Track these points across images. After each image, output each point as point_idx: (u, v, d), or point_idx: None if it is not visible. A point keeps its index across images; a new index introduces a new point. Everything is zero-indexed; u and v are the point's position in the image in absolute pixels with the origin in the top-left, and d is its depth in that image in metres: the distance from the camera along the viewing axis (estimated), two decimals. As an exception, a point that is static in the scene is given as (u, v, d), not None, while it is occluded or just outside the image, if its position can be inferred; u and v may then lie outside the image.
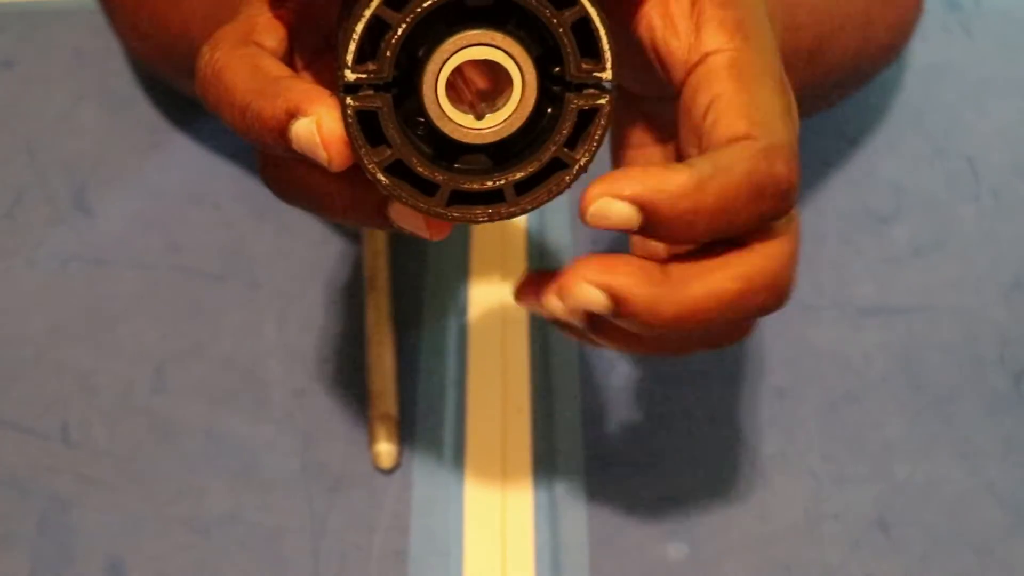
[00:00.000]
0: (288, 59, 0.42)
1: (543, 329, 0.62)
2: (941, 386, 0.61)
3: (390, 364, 0.60)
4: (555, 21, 0.36)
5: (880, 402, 0.61)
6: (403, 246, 0.65)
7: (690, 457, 0.59)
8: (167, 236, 0.66)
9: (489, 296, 0.64)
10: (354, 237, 0.65)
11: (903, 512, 0.57)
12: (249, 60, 0.40)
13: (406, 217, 0.40)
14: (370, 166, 0.37)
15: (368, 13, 0.36)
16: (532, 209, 0.38)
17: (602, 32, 0.37)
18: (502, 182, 0.37)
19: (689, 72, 0.41)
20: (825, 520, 0.57)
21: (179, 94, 0.70)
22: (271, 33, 0.42)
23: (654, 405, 0.60)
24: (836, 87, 0.65)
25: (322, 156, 0.38)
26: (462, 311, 0.63)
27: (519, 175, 0.37)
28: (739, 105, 0.40)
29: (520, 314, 0.63)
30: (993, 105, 0.71)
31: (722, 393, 0.60)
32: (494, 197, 0.38)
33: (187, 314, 0.63)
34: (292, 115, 0.38)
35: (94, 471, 0.58)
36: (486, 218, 0.38)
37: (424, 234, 0.40)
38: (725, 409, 0.60)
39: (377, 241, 0.64)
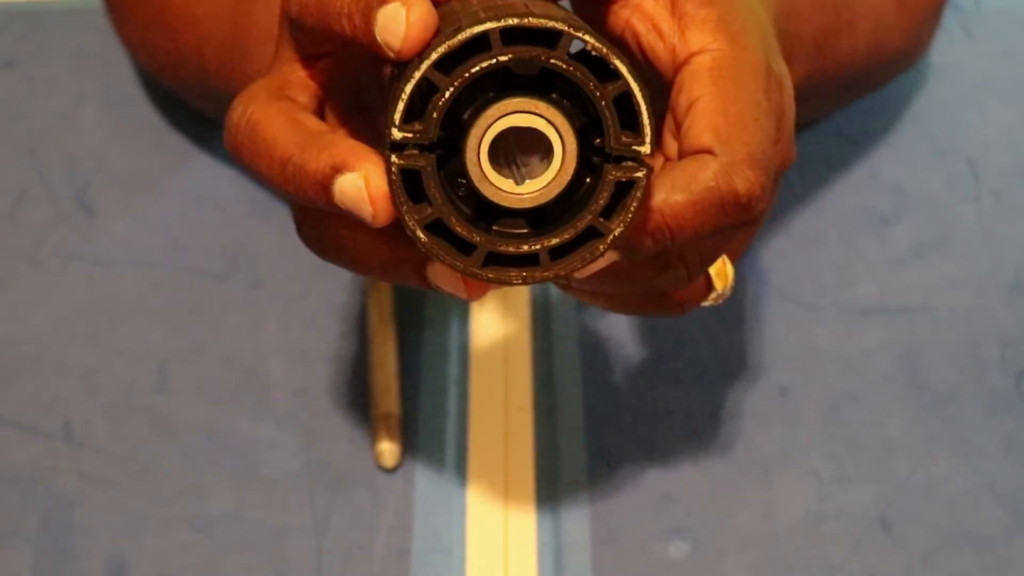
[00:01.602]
0: (320, 118, 0.42)
1: (545, 327, 0.62)
2: (942, 386, 0.61)
3: (392, 363, 0.60)
4: (598, 94, 0.37)
5: (881, 402, 0.61)
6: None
7: (692, 456, 0.59)
8: (169, 236, 0.66)
9: (491, 294, 0.64)
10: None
11: (904, 511, 0.57)
12: (288, 114, 0.41)
13: (444, 278, 0.41)
14: (410, 223, 0.38)
15: (418, 75, 0.37)
16: (565, 276, 0.39)
17: (643, 107, 0.37)
18: (538, 247, 0.38)
19: (677, 71, 0.42)
20: (826, 519, 0.57)
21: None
22: (304, 91, 0.42)
23: (656, 404, 0.60)
24: (847, 89, 0.65)
25: (367, 211, 0.38)
26: (464, 309, 0.63)
27: (555, 241, 0.38)
28: (711, 113, 0.41)
29: (522, 312, 0.63)
30: (993, 106, 0.71)
31: (724, 392, 0.61)
32: (529, 261, 0.38)
33: (189, 313, 0.63)
34: (338, 170, 0.38)
35: (97, 470, 0.59)
36: (520, 281, 0.38)
37: (462, 295, 0.41)
38: (727, 408, 0.60)
39: (379, 241, 0.64)
